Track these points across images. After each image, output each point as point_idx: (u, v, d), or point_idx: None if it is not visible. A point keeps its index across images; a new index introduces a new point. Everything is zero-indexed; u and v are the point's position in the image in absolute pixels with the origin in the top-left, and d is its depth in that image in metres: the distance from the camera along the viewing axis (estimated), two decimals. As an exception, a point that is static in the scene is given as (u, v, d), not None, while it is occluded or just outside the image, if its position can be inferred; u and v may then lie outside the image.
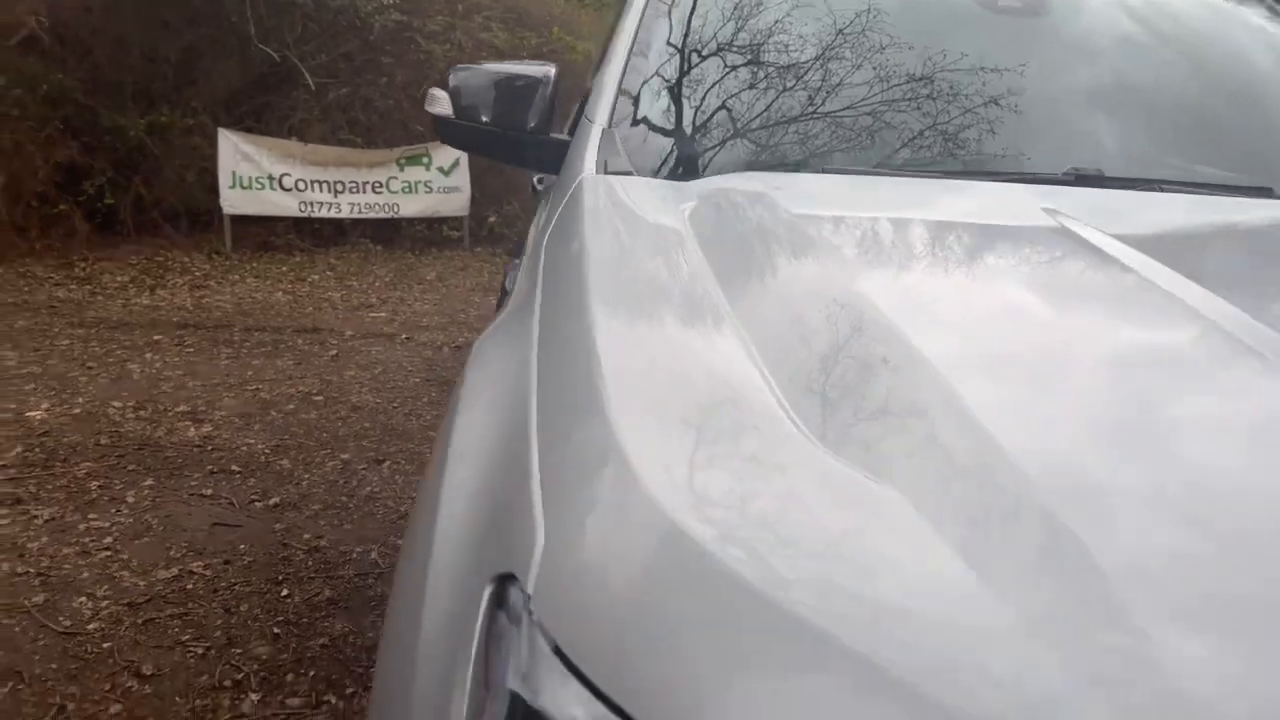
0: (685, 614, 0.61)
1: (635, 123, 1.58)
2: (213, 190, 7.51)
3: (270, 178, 7.58)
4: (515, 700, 0.63)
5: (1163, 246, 1.24)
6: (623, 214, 1.29)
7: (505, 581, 0.71)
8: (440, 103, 1.86)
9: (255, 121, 7.89)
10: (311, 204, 7.73)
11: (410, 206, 7.96)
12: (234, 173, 7.48)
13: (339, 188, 7.75)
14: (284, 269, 7.31)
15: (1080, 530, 0.63)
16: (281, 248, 7.78)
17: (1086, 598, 0.59)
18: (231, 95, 7.83)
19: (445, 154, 7.75)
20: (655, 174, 1.46)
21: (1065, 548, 0.62)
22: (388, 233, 8.07)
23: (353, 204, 7.80)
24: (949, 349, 0.87)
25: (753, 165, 1.47)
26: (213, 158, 7.45)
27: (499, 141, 1.81)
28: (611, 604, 0.64)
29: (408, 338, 5.49)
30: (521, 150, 1.81)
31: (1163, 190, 1.43)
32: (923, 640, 0.57)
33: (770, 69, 1.65)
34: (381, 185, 7.83)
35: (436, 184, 7.95)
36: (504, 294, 1.87)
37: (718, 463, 0.73)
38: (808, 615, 0.57)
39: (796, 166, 1.48)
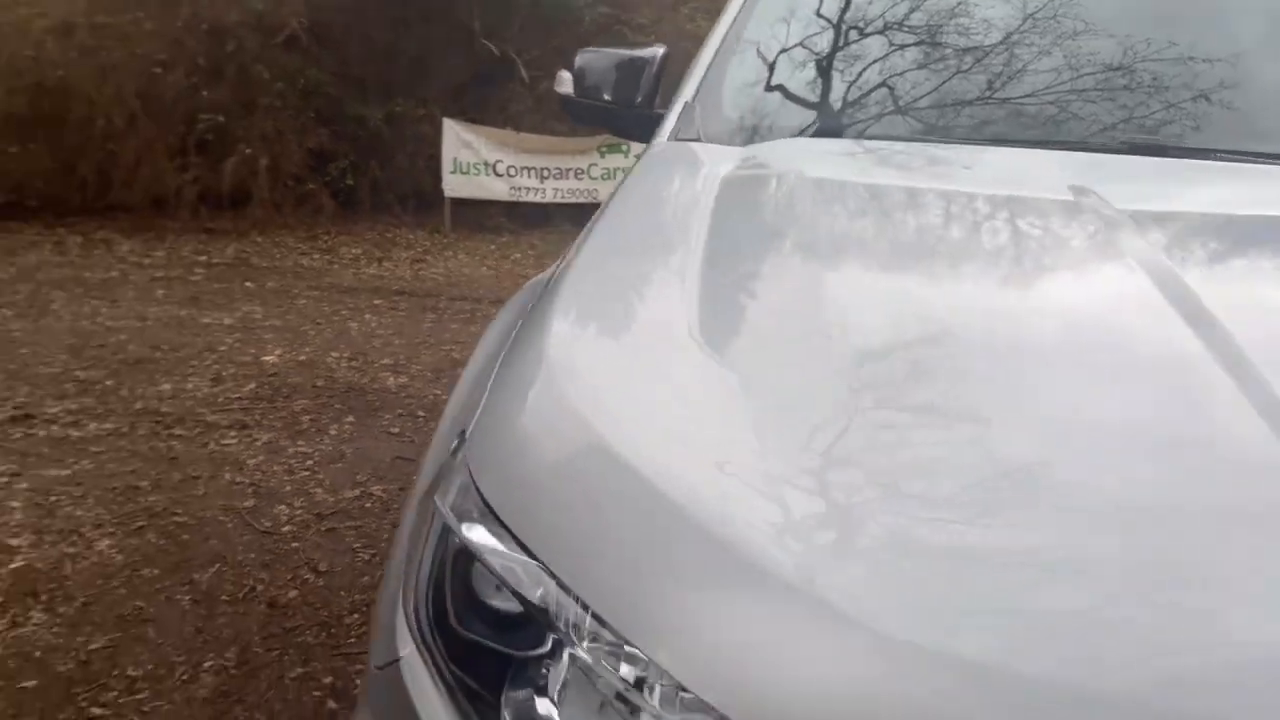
0: (575, 470, 0.80)
1: (714, 94, 1.75)
2: (437, 175, 8.28)
3: (486, 164, 8.24)
4: (446, 527, 0.85)
5: (1189, 221, 1.23)
6: (663, 172, 1.48)
7: (463, 435, 0.95)
8: (565, 83, 2.11)
9: (477, 112, 8.59)
10: (520, 189, 8.32)
11: (608, 193, 8.37)
12: (455, 159, 8.20)
13: (545, 174, 8.30)
14: (491, 248, 7.95)
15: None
16: (492, 229, 8.44)
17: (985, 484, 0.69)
18: (457, 88, 8.57)
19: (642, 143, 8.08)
20: (719, 141, 1.63)
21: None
22: (586, 217, 8.51)
23: (556, 189, 8.33)
24: (865, 285, 1.01)
25: (805, 131, 1.61)
26: (438, 145, 8.21)
27: (613, 116, 2.04)
28: (519, 457, 0.85)
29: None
30: (631, 124, 2.03)
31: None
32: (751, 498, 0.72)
33: (842, 44, 1.76)
34: (583, 172, 8.30)
35: (635, 170, 8.31)
36: None
37: (618, 367, 0.92)
38: (664, 482, 0.72)
39: (840, 132, 1.59)
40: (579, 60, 2.08)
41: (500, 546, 0.78)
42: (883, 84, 1.65)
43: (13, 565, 2.64)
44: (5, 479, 3.20)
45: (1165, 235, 1.14)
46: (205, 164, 7.68)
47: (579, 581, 0.71)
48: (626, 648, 0.66)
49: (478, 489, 0.83)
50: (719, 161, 1.47)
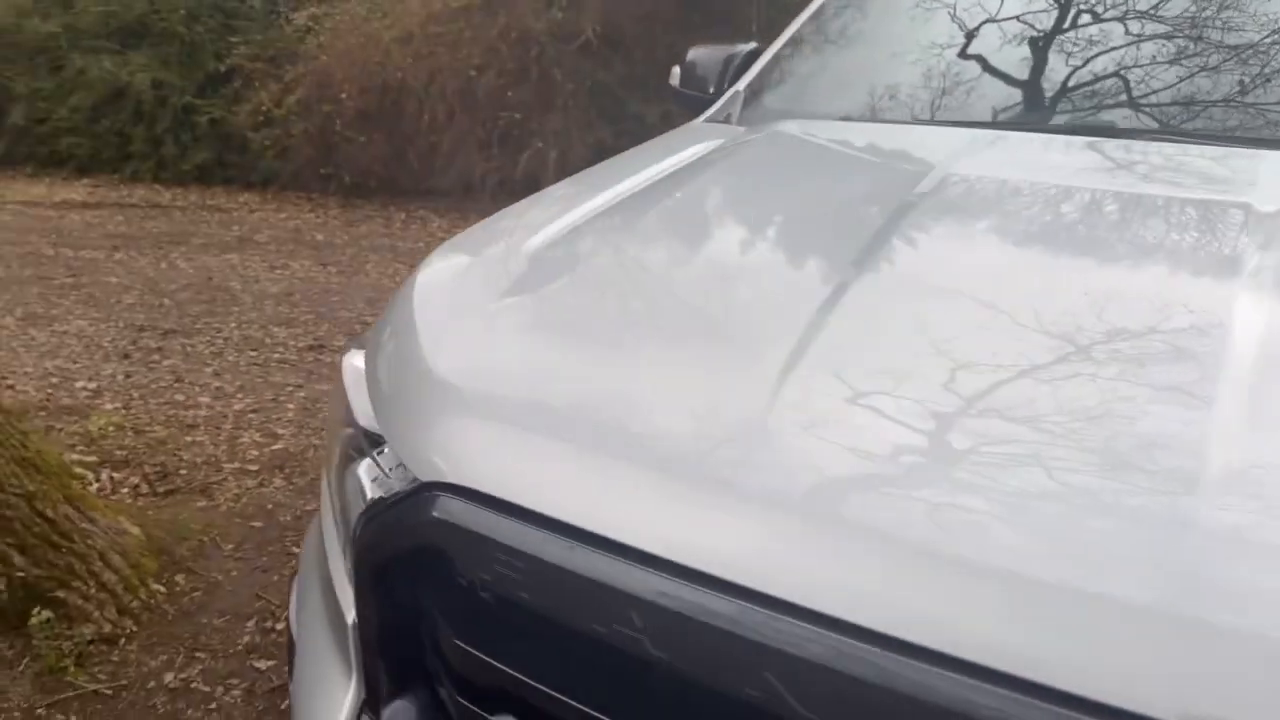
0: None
1: (760, 85, 2.03)
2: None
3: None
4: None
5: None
6: (675, 143, 1.79)
7: None
8: (675, 76, 2.47)
9: (748, 110, 8.99)
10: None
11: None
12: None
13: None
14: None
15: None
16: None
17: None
18: (731, 87, 9.03)
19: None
20: (744, 121, 1.91)
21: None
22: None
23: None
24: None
25: (814, 114, 1.84)
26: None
27: (706, 104, 2.37)
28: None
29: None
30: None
31: None
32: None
33: (881, 36, 1.95)
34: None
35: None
36: None
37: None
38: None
39: (857, 117, 1.78)
40: (689, 55, 2.42)
41: None
42: (897, 78, 1.83)
43: (273, 447, 3.47)
44: (290, 389, 4.12)
45: None
46: (504, 155, 8.79)
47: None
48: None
49: None
50: (723, 136, 1.76)
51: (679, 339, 0.96)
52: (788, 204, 1.35)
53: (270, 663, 2.23)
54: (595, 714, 0.78)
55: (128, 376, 4.17)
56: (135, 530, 2.54)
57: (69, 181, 9.13)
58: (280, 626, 2.35)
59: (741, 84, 2.07)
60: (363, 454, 1.04)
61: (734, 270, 1.15)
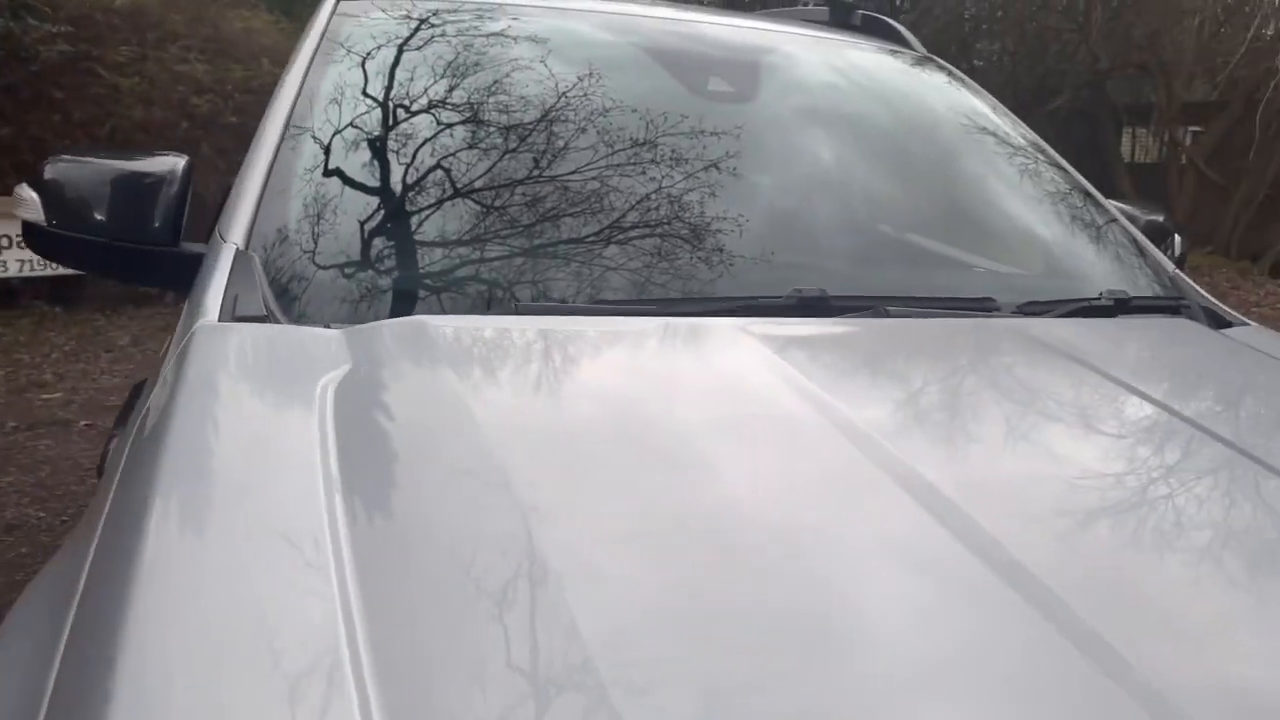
0: None
1: (279, 243, 1.26)
2: None
3: None
4: None
5: (851, 378, 1.19)
6: (240, 389, 0.97)
7: None
8: (31, 207, 1.44)
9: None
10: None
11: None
12: None
13: (4, 242, 6.63)
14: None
15: None
16: None
17: None
18: None
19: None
20: (304, 315, 1.15)
21: None
22: (69, 292, 7.01)
23: (23, 261, 6.70)
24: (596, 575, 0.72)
25: (429, 305, 1.20)
26: None
27: (112, 256, 1.42)
28: None
29: (89, 424, 4.70)
30: (144, 268, 1.43)
31: (886, 315, 1.31)
32: None
33: (450, 183, 1.38)
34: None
35: (129, 235, 7.02)
36: (101, 474, 1.47)
37: None
38: None
39: (483, 307, 1.22)
40: (50, 172, 1.43)
41: None
42: (509, 245, 1.31)
43: None
44: None
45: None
46: None
47: None
48: None
49: None
50: (318, 361, 1.00)
51: None
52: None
53: None
54: None
55: None
56: None
57: None
58: None
59: (236, 237, 1.26)
60: None
61: None
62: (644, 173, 1.42)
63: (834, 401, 1.02)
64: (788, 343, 1.19)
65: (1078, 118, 14.55)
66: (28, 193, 1.47)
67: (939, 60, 2.15)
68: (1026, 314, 1.39)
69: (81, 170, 1.44)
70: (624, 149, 1.43)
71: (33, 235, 1.44)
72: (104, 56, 7.31)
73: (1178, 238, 2.02)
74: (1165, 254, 1.93)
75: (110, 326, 6.75)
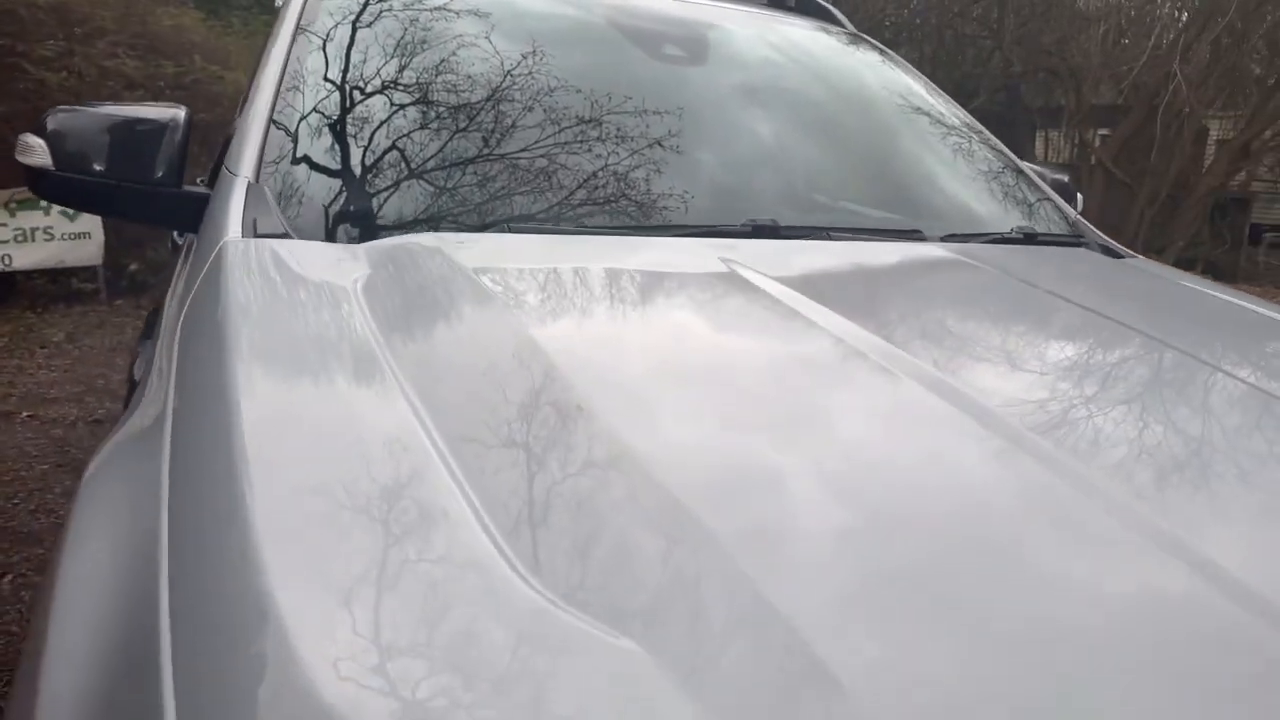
0: None
1: (290, 175, 1.38)
2: None
3: None
4: None
5: (817, 287, 1.33)
6: (278, 286, 1.10)
7: None
8: (38, 152, 1.53)
9: None
10: (-111, 259, 6.38)
11: (27, 257, 6.84)
12: None
13: (-72, 240, 6.47)
14: None
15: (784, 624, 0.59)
16: None
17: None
18: None
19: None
20: (318, 236, 1.28)
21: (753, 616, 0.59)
22: (-1, 290, 6.87)
23: (-51, 259, 6.55)
24: (629, 405, 0.87)
25: (432, 224, 1.34)
26: None
27: (118, 196, 1.52)
28: None
29: (31, 415, 4.65)
30: (149, 206, 1.53)
31: (829, 238, 1.50)
32: None
33: (444, 116, 1.52)
34: (-14, 235, 6.65)
35: (59, 230, 6.90)
36: (131, 386, 1.57)
37: (399, 616, 0.58)
38: None
39: (480, 226, 1.37)
40: (53, 123, 1.53)
41: None
42: (513, 173, 1.46)
43: None
44: None
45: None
46: None
47: None
48: None
49: None
50: (342, 266, 1.13)
51: None
52: None
53: None
54: None
55: None
56: None
57: None
58: None
59: (245, 171, 1.38)
60: None
61: None
62: (618, 124, 1.58)
63: (785, 290, 1.19)
64: (747, 253, 1.36)
65: (994, 120, 15.20)
66: (34, 140, 1.56)
67: (869, 39, 2.37)
68: (950, 241, 1.59)
69: (87, 118, 1.53)
70: (604, 102, 1.60)
71: (39, 180, 1.53)
72: (30, 52, 7.17)
73: (1079, 195, 2.27)
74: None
75: (43, 324, 6.62)
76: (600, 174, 1.48)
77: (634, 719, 0.52)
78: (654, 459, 0.75)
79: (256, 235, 1.24)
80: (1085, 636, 0.62)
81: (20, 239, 6.78)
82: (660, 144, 1.56)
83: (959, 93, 15.00)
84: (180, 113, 1.57)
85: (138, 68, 7.70)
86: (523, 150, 1.47)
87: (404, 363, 0.89)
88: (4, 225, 6.71)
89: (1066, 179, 2.26)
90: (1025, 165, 2.10)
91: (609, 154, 1.51)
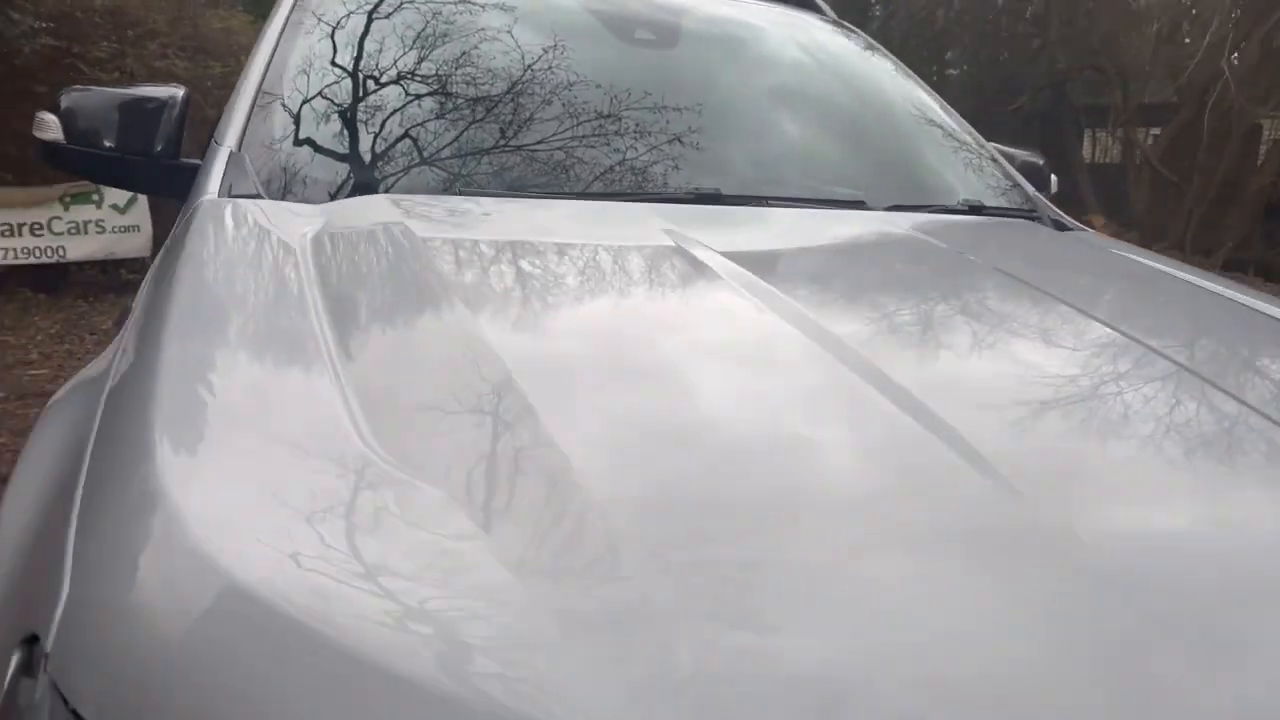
0: (235, 673, 0.57)
1: (267, 144, 1.51)
2: None
3: (-104, 221, 6.52)
4: None
5: (753, 256, 1.40)
6: (234, 238, 1.23)
7: (32, 644, 0.64)
8: (51, 128, 1.69)
9: (-126, 157, 6.75)
10: (-48, 250, 6.73)
11: (79, 249, 7.16)
12: None
13: (-11, 231, 6.81)
14: (-83, 325, 6.28)
15: (620, 526, 0.67)
16: (-87, 300, 6.69)
17: (619, 595, 0.62)
18: None
19: (120, 191, 7.04)
20: (285, 197, 1.41)
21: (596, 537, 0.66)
22: (52, 280, 7.19)
23: (6, 249, 6.88)
24: (511, 324, 0.93)
25: (388, 186, 1.46)
26: None
27: (121, 167, 1.67)
28: (146, 663, 0.59)
29: (76, 394, 4.90)
30: (149, 176, 1.68)
31: (767, 205, 1.59)
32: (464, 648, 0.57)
33: (408, 89, 1.65)
34: (42, 227, 6.97)
35: (110, 223, 7.21)
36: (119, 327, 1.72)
37: (276, 503, 0.70)
38: (375, 657, 0.56)
39: (433, 188, 1.48)
40: (66, 101, 1.68)
41: None
42: (458, 138, 1.57)
43: None
44: None
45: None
46: None
47: None
48: None
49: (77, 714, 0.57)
50: (297, 222, 1.26)
51: None
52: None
53: None
54: None
55: None
56: None
57: None
58: None
59: (230, 141, 1.51)
60: None
61: None
62: (573, 95, 1.68)
63: (709, 252, 1.28)
64: (685, 217, 1.46)
65: (1039, 120, 14.96)
66: (49, 116, 1.72)
67: (848, 25, 2.44)
68: (893, 212, 1.67)
69: (96, 97, 1.69)
70: (561, 79, 1.70)
71: (52, 153, 1.69)
72: (85, 53, 7.49)
73: (1053, 177, 2.32)
74: (1042, 191, 2.22)
75: (93, 312, 6.93)
76: (550, 141, 1.59)
77: (431, 544, 0.63)
78: (520, 368, 0.85)
79: (231, 196, 1.38)
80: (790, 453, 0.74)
81: (73, 231, 7.10)
82: (615, 115, 1.66)
83: (1003, 92, 14.84)
84: (179, 92, 1.72)
85: (186, 68, 8.00)
86: (475, 119, 1.59)
87: (328, 300, 1.00)
88: (58, 219, 7.03)
89: (1041, 162, 2.31)
90: (994, 147, 2.16)
91: (563, 123, 1.62)
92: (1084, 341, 1.18)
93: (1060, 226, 1.86)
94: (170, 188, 1.70)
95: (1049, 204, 1.95)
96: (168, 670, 0.57)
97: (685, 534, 0.68)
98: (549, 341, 1.02)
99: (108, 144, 1.68)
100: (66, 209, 7.04)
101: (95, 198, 7.11)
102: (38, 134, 1.71)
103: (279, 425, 0.77)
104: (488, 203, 1.43)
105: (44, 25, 7.20)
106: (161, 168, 1.65)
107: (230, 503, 0.67)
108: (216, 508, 0.67)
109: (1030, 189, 1.98)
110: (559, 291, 1.18)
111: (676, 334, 1.08)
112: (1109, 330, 1.21)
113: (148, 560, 0.64)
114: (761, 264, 1.36)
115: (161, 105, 1.67)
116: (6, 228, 6.88)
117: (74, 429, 0.91)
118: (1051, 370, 1.08)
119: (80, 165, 1.70)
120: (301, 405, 0.79)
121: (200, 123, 7.80)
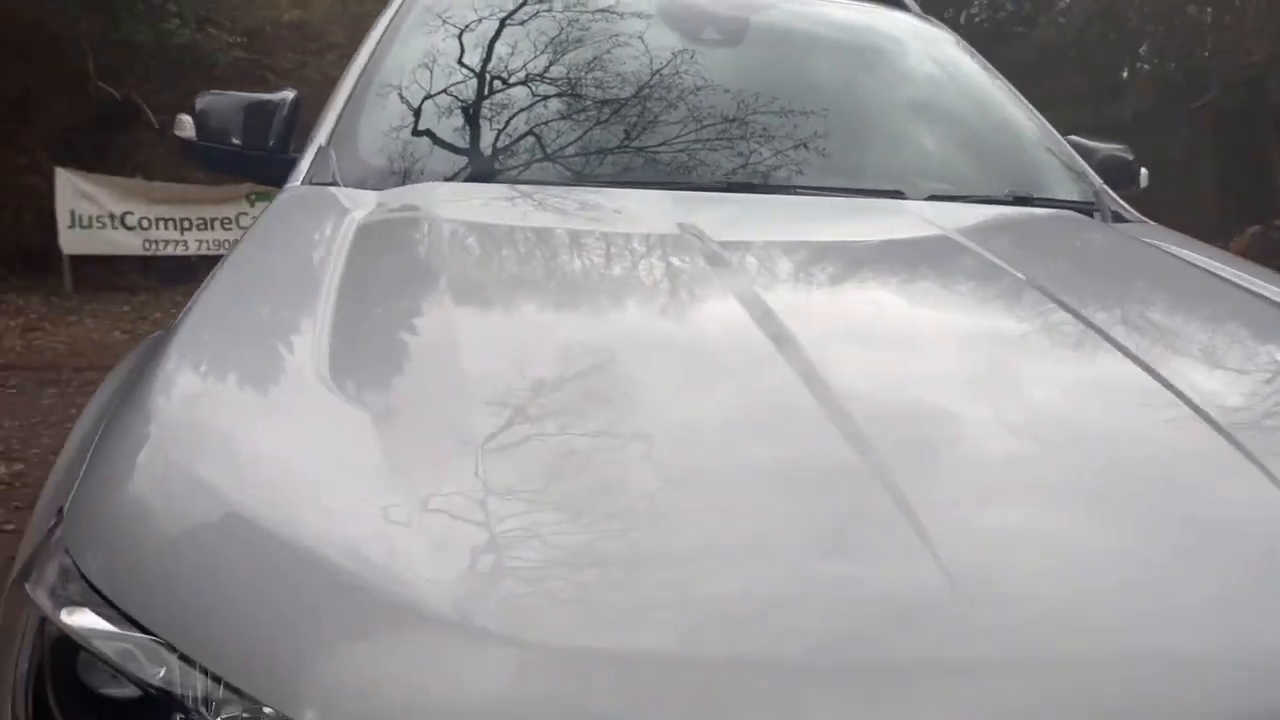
0: (195, 537, 0.75)
1: (350, 139, 1.72)
2: (52, 230, 7.29)
3: (112, 216, 7.42)
4: (43, 616, 0.75)
5: (760, 247, 1.46)
6: (296, 219, 1.43)
7: (60, 514, 0.85)
8: (186, 127, 1.97)
9: (96, 159, 7.71)
10: (157, 242, 7.58)
11: (259, 243, 7.90)
12: (73, 212, 7.29)
13: (186, 225, 7.64)
14: (125, 309, 7.13)
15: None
16: (125, 287, 7.59)
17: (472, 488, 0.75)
18: (69, 133, 7.64)
19: (297, 190, 7.72)
20: (356, 185, 1.61)
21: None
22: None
23: (201, 241, 7.70)
24: (489, 336, 1.05)
25: (446, 175, 1.63)
26: (50, 197, 7.25)
27: (242, 161, 1.93)
28: (128, 530, 0.77)
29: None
30: (263, 168, 1.93)
31: (798, 194, 1.64)
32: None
33: (475, 89, 1.82)
34: (231, 221, 7.75)
35: (288, 220, 7.91)
36: None
37: (238, 421, 0.87)
38: (295, 538, 0.71)
39: (484, 177, 1.64)
40: (200, 103, 1.95)
41: (111, 628, 0.71)
42: (517, 131, 1.72)
43: None
44: None
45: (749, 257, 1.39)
46: None
47: (209, 653, 0.67)
48: (265, 711, 0.64)
49: (80, 570, 0.75)
50: (354, 206, 1.45)
51: None
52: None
53: None
54: None
55: None
56: None
57: None
58: None
59: (321, 137, 1.73)
60: None
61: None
62: (626, 91, 1.80)
63: (725, 239, 1.34)
64: (711, 203, 1.56)
65: (1230, 118, 13.78)
66: (185, 117, 2.01)
67: (935, 21, 2.43)
68: (932, 202, 1.67)
69: (225, 100, 1.96)
70: (620, 77, 1.82)
71: (188, 149, 1.97)
72: (273, 64, 8.27)
73: (1143, 170, 2.23)
74: (1130, 186, 2.16)
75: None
76: (599, 135, 1.70)
77: (336, 446, 0.79)
78: (469, 338, 0.99)
79: (312, 184, 1.59)
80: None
81: (257, 226, 7.83)
82: (653, 105, 1.76)
83: (1187, 85, 13.76)
84: (290, 95, 1.96)
85: (359, 76, 8.65)
86: (522, 112, 1.73)
87: (348, 270, 1.16)
88: (245, 214, 7.78)
89: (1131, 157, 2.23)
90: (1073, 140, 2.10)
91: (606, 115, 1.73)
92: (1084, 362, 1.11)
93: (1118, 219, 1.80)
94: (279, 178, 1.95)
95: (1113, 196, 1.89)
96: (142, 532, 0.76)
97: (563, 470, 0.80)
98: (517, 318, 1.14)
99: (234, 141, 1.94)
100: (252, 205, 7.78)
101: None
102: (176, 133, 2.00)
103: (267, 368, 0.95)
104: (527, 190, 1.57)
105: (238, 40, 7.98)
106: (274, 160, 1.89)
107: (211, 423, 0.86)
108: (198, 426, 0.85)
109: (1097, 181, 1.93)
110: (565, 277, 1.28)
111: (660, 317, 1.17)
112: (1126, 361, 1.05)
113: (141, 461, 0.83)
114: (764, 256, 1.42)
115: (276, 106, 1.92)
116: (201, 221, 7.69)
117: (131, 371, 1.14)
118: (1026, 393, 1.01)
119: (208, 159, 1.98)
120: (289, 351, 0.97)
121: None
